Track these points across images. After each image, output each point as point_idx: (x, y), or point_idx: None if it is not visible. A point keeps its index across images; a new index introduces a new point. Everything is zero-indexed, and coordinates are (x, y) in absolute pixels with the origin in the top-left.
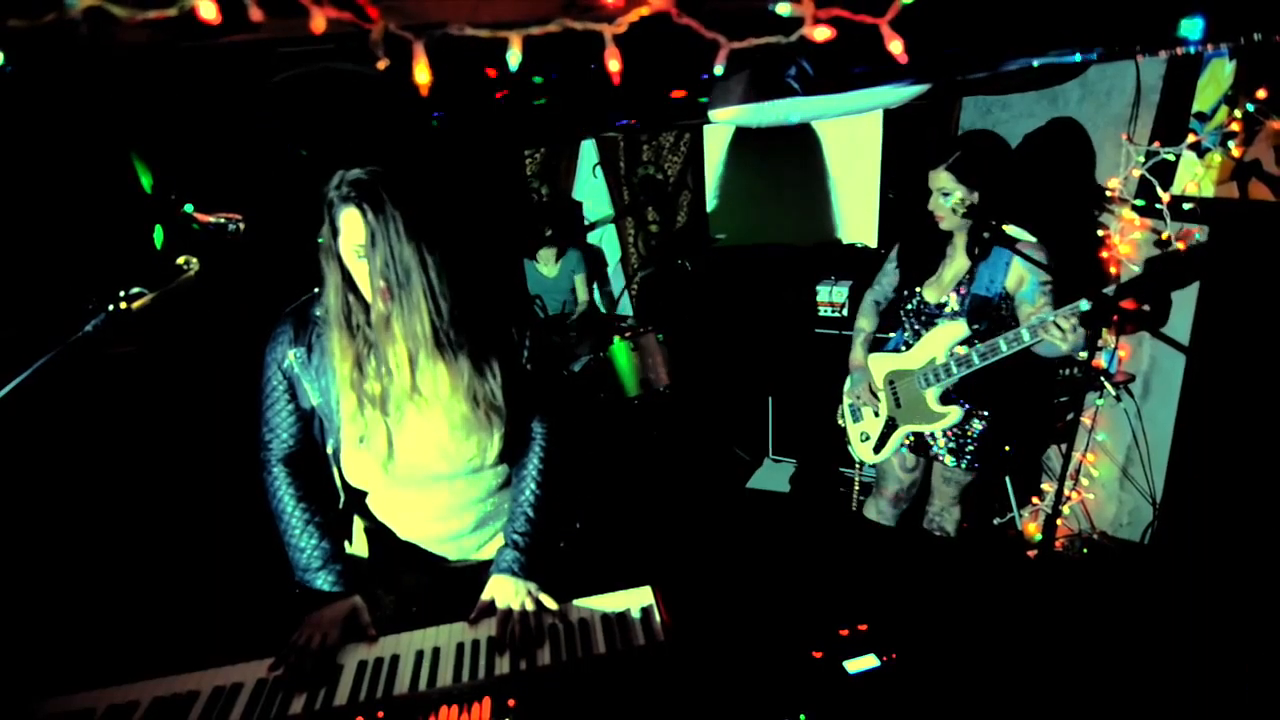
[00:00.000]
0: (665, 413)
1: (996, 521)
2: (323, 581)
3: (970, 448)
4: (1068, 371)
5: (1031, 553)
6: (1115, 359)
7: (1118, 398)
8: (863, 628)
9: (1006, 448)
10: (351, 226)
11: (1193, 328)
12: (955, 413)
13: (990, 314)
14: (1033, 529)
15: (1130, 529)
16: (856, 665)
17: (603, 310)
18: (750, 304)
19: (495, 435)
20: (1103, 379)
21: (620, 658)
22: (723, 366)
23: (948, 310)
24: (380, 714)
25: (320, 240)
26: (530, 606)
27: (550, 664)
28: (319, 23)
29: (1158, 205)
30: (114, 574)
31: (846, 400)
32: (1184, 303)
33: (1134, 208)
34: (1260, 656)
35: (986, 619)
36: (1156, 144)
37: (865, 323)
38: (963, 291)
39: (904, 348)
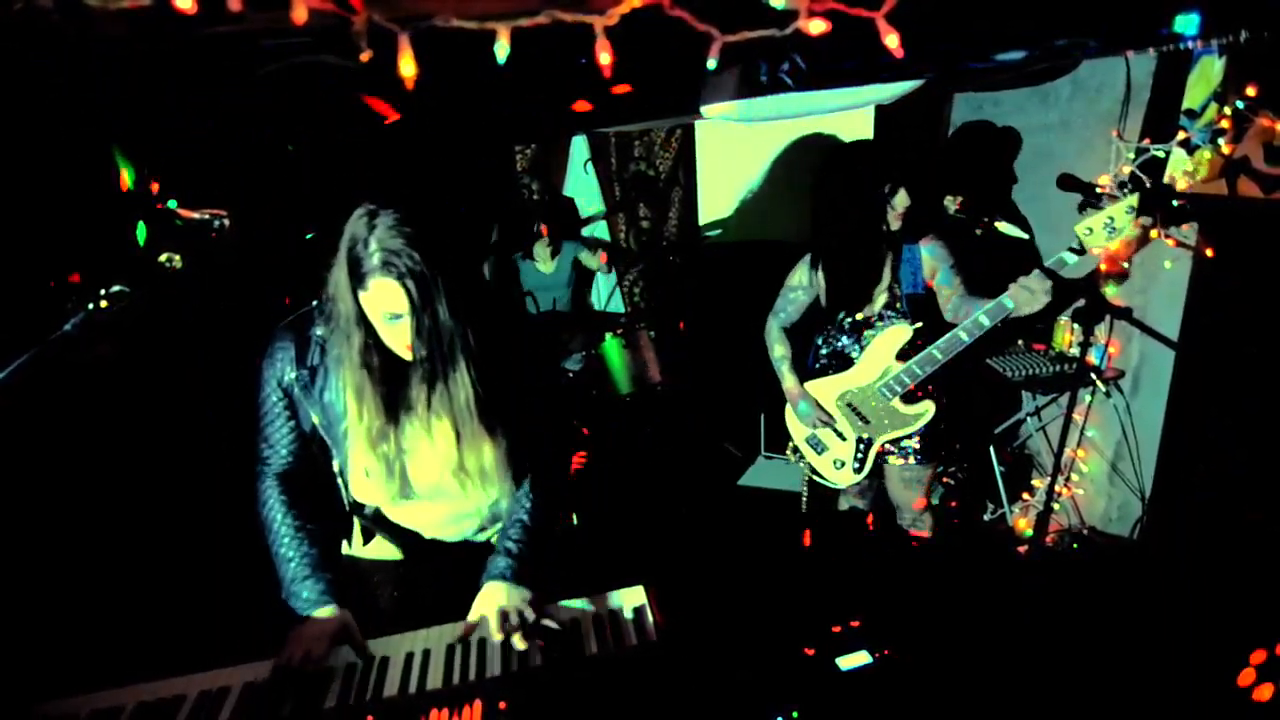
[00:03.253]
0: (658, 410)
1: (987, 517)
2: (309, 592)
3: (917, 442)
4: (1059, 368)
5: (1022, 548)
6: (1105, 355)
7: (1107, 393)
8: (855, 624)
9: (955, 443)
10: (386, 295)
11: (1182, 323)
12: (929, 407)
13: (927, 309)
14: (1023, 524)
15: (1120, 524)
16: (849, 661)
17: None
18: (742, 300)
19: (504, 463)
20: (1093, 375)
21: (612, 658)
22: (715, 363)
23: (885, 316)
24: (369, 717)
25: (333, 273)
26: (530, 615)
27: (541, 665)
28: (300, 13)
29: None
30: (98, 578)
31: (800, 435)
32: (1173, 298)
33: None
34: (1245, 650)
35: (978, 615)
36: (1146, 141)
37: (782, 349)
38: (895, 293)
39: (836, 363)
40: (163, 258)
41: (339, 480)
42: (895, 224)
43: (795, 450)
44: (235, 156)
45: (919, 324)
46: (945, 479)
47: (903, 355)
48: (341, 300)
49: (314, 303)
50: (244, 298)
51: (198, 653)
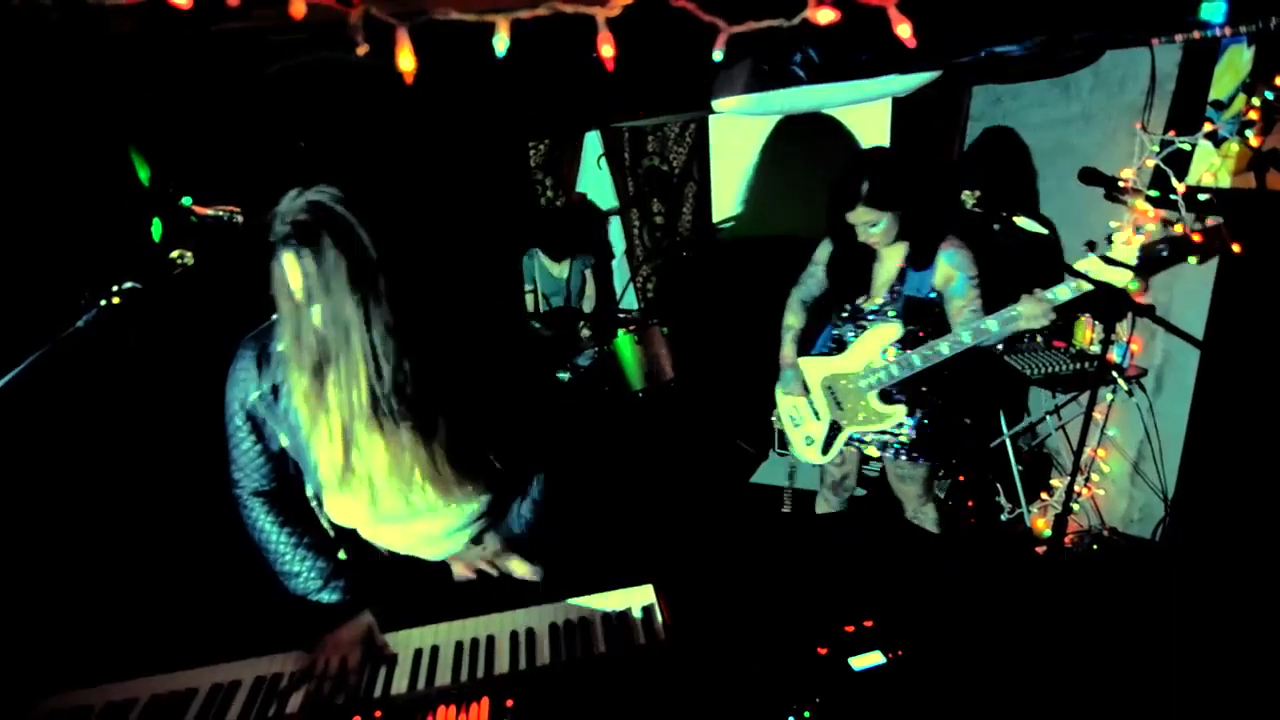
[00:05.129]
0: (669, 406)
1: (1004, 517)
2: (329, 598)
3: (908, 440)
4: (1080, 365)
5: (1040, 549)
6: (1128, 353)
7: (1130, 392)
8: (868, 624)
9: (952, 443)
10: (289, 272)
11: (1207, 321)
12: (899, 411)
13: (924, 314)
14: (1041, 525)
15: (1141, 525)
16: (861, 662)
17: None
18: (754, 296)
19: (479, 465)
20: (1114, 373)
21: (621, 658)
22: (728, 359)
23: (881, 312)
24: (378, 713)
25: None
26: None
27: (549, 663)
28: (299, 7)
29: (1172, 196)
30: (112, 572)
31: (784, 407)
32: (1198, 295)
33: (1148, 198)
34: (1271, 656)
35: (994, 616)
36: (1172, 133)
37: (794, 319)
38: (895, 293)
39: (834, 347)
40: (174, 254)
41: (314, 504)
42: (866, 237)
43: (778, 419)
44: (248, 153)
45: (912, 327)
46: (961, 477)
47: (889, 353)
48: (279, 290)
49: (274, 317)
50: (256, 295)
51: (209, 646)
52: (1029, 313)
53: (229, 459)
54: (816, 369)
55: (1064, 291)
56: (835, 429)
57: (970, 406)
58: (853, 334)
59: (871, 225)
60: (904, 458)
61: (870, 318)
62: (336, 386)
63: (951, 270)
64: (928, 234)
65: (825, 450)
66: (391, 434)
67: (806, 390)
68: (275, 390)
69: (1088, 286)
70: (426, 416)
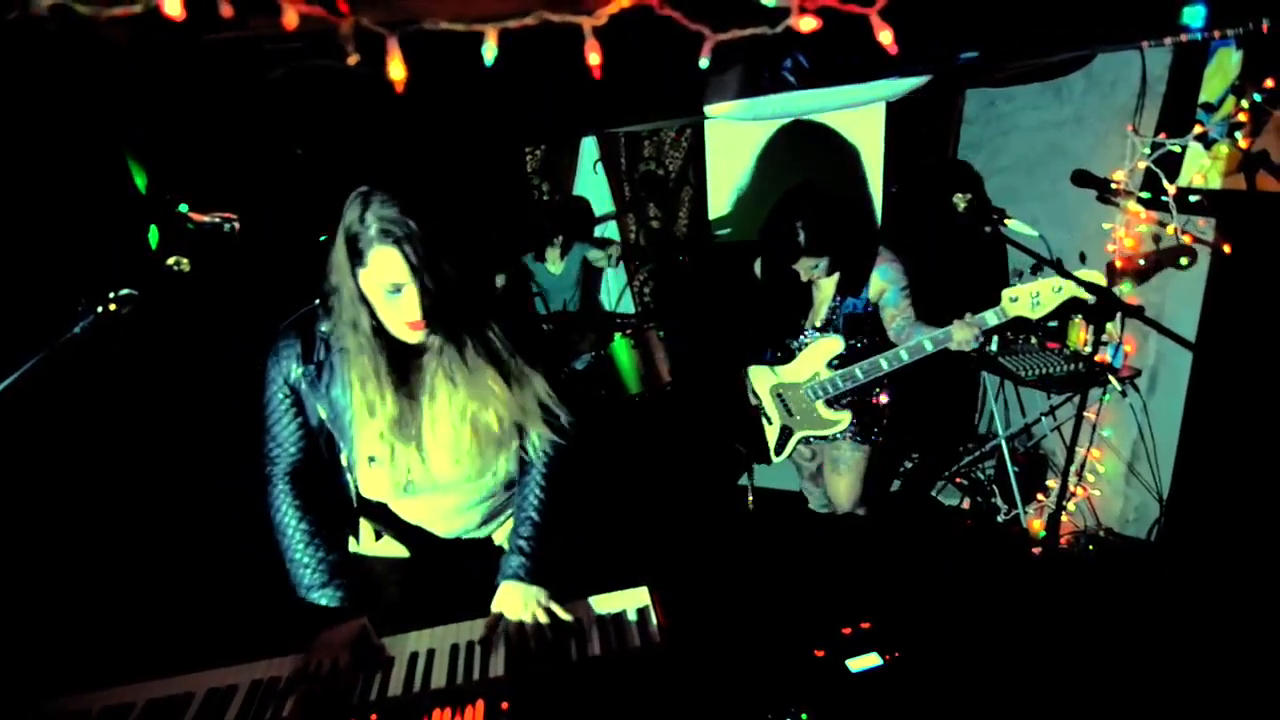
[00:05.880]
0: (666, 409)
1: (1001, 519)
2: (329, 599)
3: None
4: (1074, 366)
5: (1036, 550)
6: (1121, 353)
7: (1124, 393)
8: (866, 626)
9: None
10: (385, 265)
11: (1200, 322)
12: (845, 417)
13: (864, 326)
14: (1037, 525)
15: (1137, 525)
16: (859, 664)
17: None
18: (750, 299)
19: (511, 444)
20: (1108, 374)
21: (615, 660)
22: (724, 363)
23: (823, 329)
24: (374, 716)
25: (332, 259)
26: (543, 619)
27: (544, 666)
28: (291, 18)
29: (1164, 198)
30: (109, 576)
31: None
32: (1191, 296)
33: (1139, 200)
34: (1267, 655)
35: (991, 617)
36: (1162, 135)
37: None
38: (835, 310)
39: (780, 357)
40: (170, 261)
41: (347, 475)
42: (810, 276)
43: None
44: (245, 160)
45: (853, 340)
46: (958, 479)
47: (834, 364)
48: (343, 284)
49: (316, 301)
50: (255, 300)
51: (206, 651)
52: (960, 336)
53: (267, 436)
54: (764, 378)
55: (991, 317)
56: (787, 432)
57: (921, 398)
58: (796, 345)
59: (814, 267)
60: (846, 438)
61: (810, 335)
62: (453, 351)
63: (884, 284)
64: (860, 262)
65: (779, 452)
66: (508, 382)
67: (757, 398)
68: (319, 368)
69: (1013, 313)
70: (504, 363)
